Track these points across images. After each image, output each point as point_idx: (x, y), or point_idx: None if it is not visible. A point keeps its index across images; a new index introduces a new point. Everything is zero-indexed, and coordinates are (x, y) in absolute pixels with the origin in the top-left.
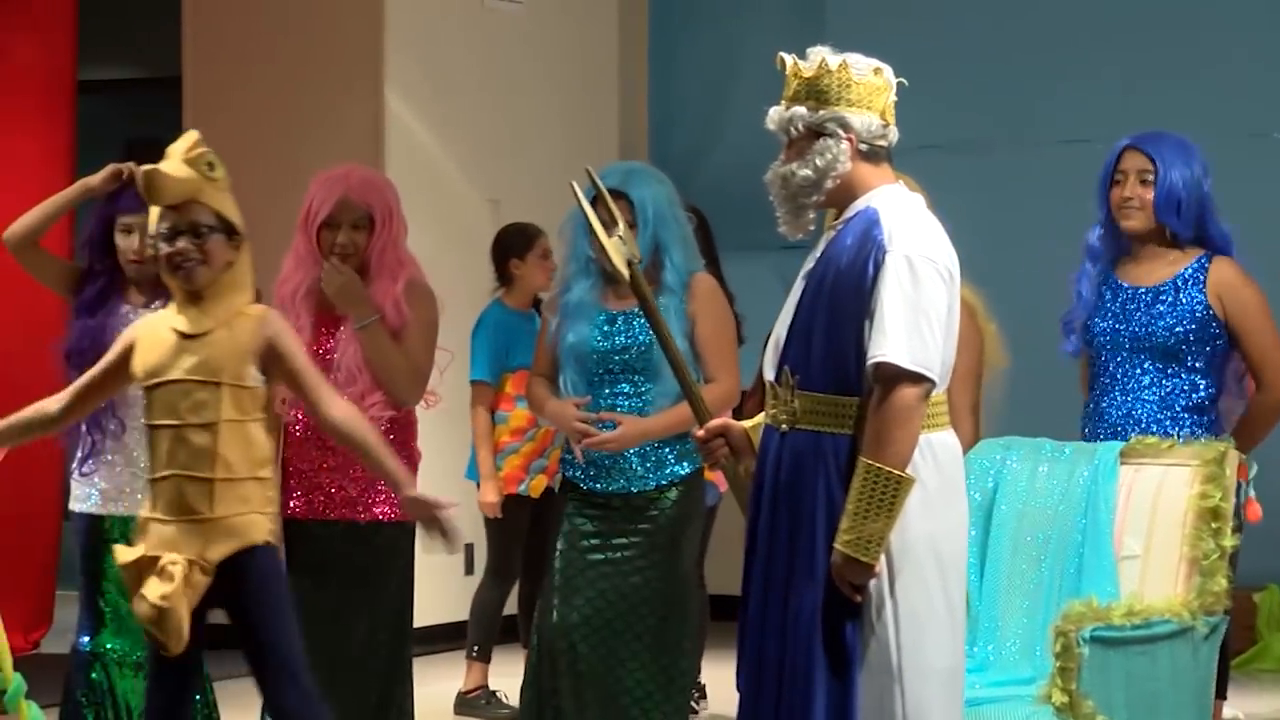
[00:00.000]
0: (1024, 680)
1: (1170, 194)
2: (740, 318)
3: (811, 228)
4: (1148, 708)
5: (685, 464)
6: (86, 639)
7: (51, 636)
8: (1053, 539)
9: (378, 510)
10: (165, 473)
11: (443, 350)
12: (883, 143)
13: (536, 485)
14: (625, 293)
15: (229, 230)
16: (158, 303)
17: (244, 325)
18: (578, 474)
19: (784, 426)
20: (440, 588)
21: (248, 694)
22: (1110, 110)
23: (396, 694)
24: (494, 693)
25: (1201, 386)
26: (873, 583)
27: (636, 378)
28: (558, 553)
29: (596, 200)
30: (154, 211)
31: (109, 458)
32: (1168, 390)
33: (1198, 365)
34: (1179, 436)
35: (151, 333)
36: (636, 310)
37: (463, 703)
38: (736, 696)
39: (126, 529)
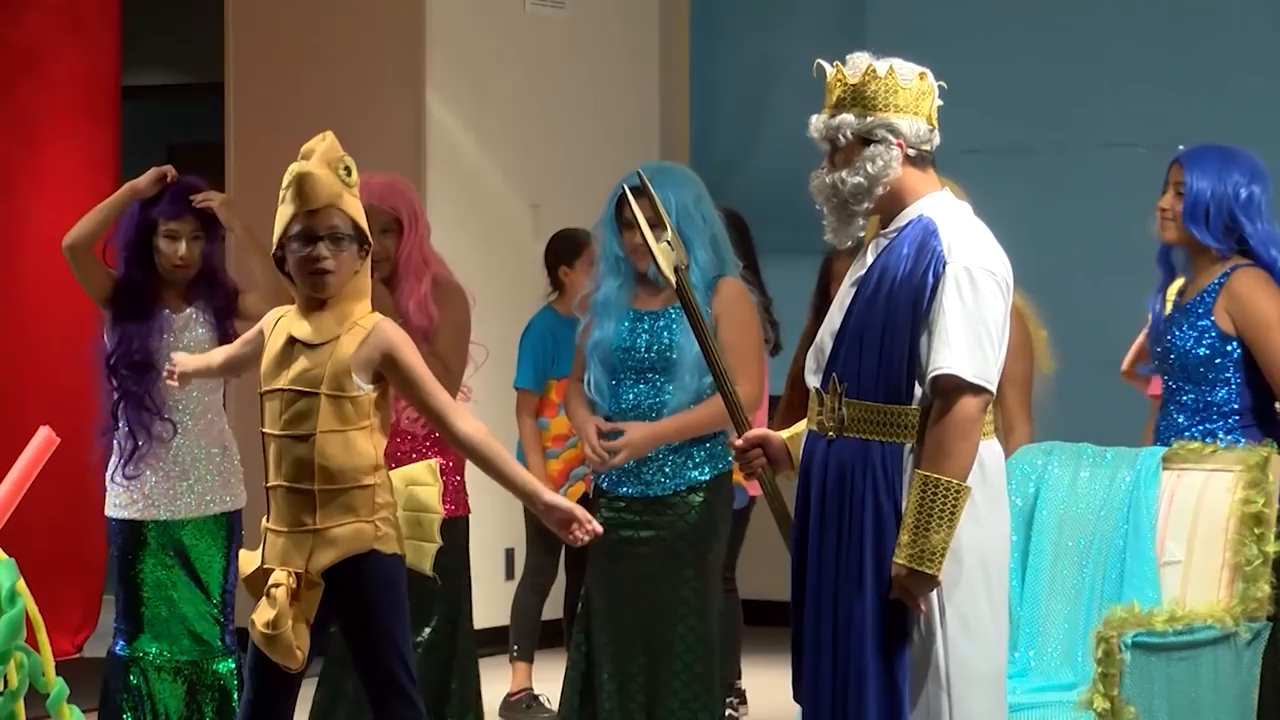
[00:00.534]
0: (1065, 686)
1: (1196, 204)
2: (776, 325)
3: (861, 234)
4: (1190, 714)
5: (706, 469)
6: (123, 644)
7: (94, 640)
8: (1094, 544)
9: None
10: (275, 482)
11: (477, 344)
12: (928, 148)
13: (575, 492)
14: (654, 293)
15: (361, 239)
16: (191, 309)
17: (353, 335)
18: (601, 477)
19: (830, 434)
20: (481, 593)
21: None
22: (1155, 115)
23: (458, 683)
24: (536, 696)
25: (1234, 396)
26: None
27: (656, 378)
28: (590, 554)
29: (644, 204)
30: (283, 212)
31: (155, 462)
32: (1204, 404)
33: (1224, 378)
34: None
35: (275, 331)
36: (661, 311)
37: (506, 705)
38: (777, 702)
39: (166, 534)
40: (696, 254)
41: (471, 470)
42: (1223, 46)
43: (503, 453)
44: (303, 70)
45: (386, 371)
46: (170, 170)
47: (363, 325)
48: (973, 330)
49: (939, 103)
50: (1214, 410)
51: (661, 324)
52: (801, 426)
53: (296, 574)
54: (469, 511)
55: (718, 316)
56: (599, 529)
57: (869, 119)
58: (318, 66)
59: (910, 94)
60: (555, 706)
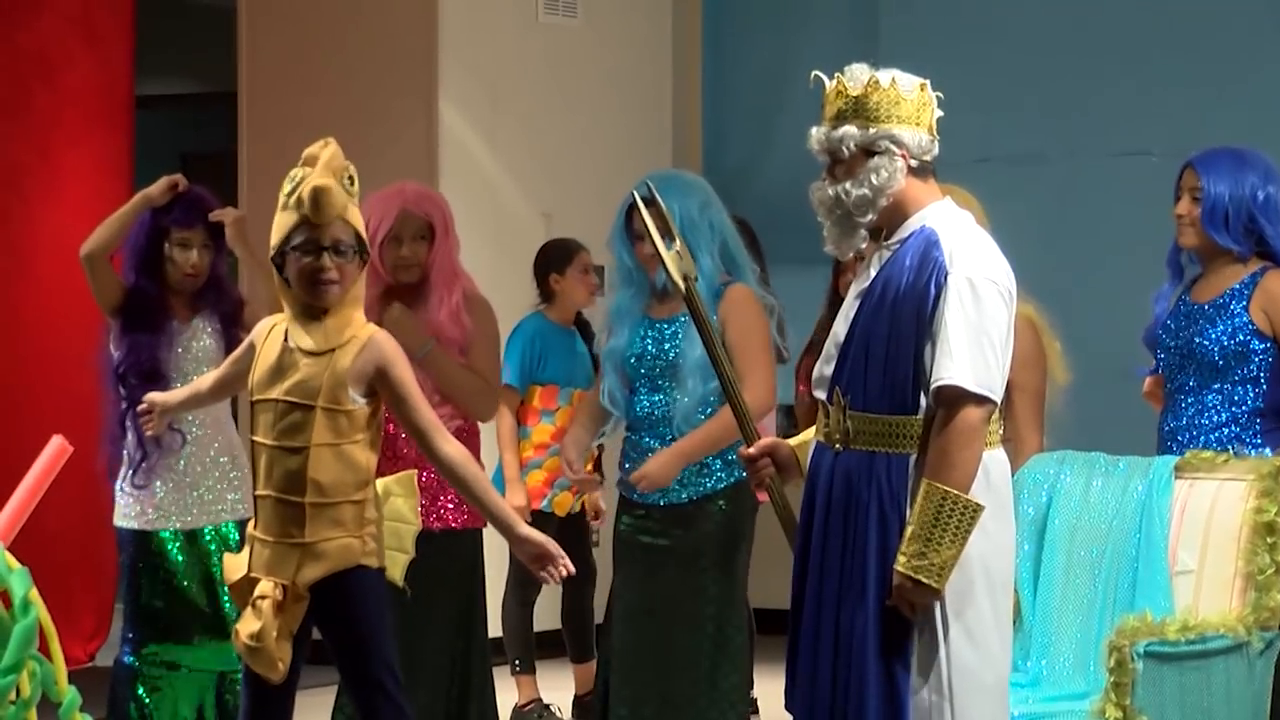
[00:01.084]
0: (1078, 695)
1: (1215, 208)
2: (784, 334)
3: (863, 245)
4: None
5: (724, 475)
6: (129, 653)
7: (107, 649)
8: (1107, 553)
9: (450, 518)
10: (264, 492)
11: None
12: (929, 158)
13: (562, 502)
14: (666, 302)
15: (362, 250)
16: (198, 318)
17: (349, 347)
18: (622, 486)
19: (837, 446)
20: (492, 603)
21: (322, 706)
22: (1167, 121)
23: (475, 698)
24: (547, 706)
25: (1250, 398)
26: None
27: (668, 385)
28: (615, 561)
29: (654, 213)
30: (285, 219)
31: (165, 471)
32: (1215, 404)
33: (1245, 378)
34: (1230, 447)
35: (268, 341)
36: (672, 319)
37: (518, 715)
38: (788, 715)
39: (180, 543)
40: (701, 262)
41: None
42: (1234, 53)
43: (482, 477)
44: (315, 79)
45: (378, 384)
46: (181, 179)
47: (358, 337)
48: (975, 340)
49: (939, 113)
50: (1243, 409)
51: (670, 330)
52: (810, 434)
53: (283, 586)
54: (485, 524)
55: (723, 320)
56: (570, 569)
57: (872, 130)
58: (330, 75)
59: (912, 105)
60: (565, 714)
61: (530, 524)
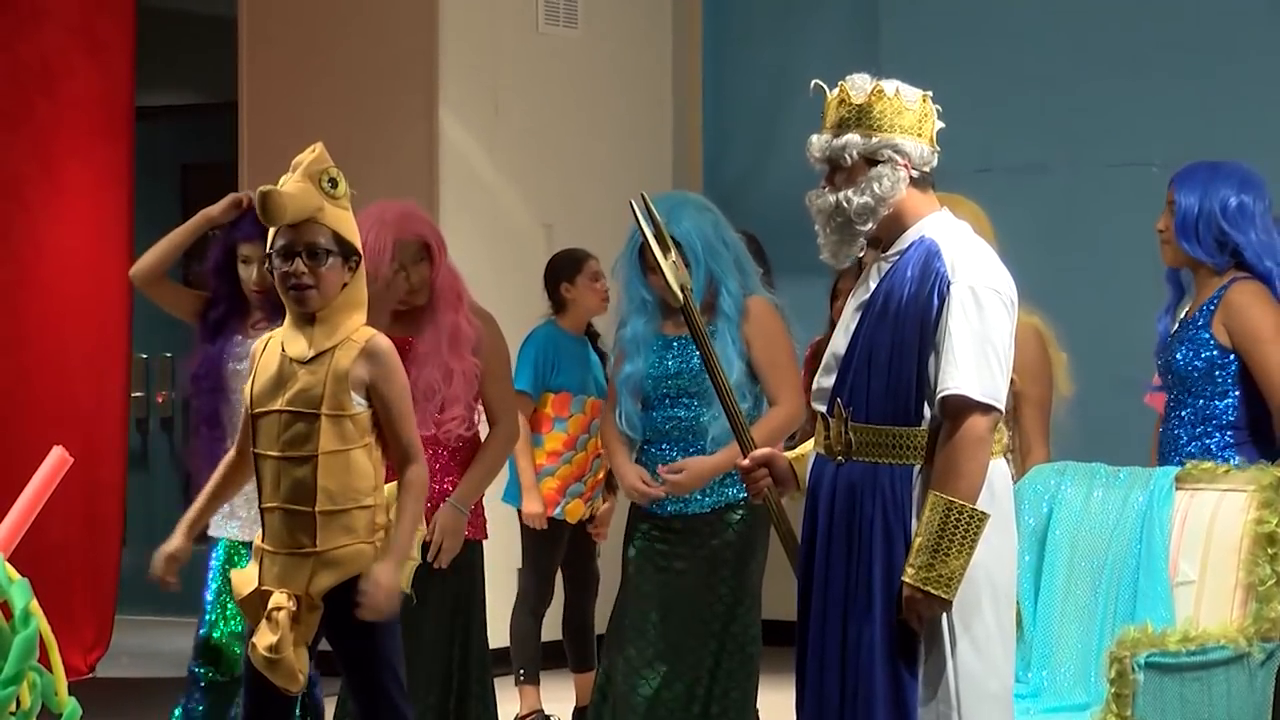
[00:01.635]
0: (1078, 706)
1: (1184, 220)
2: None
3: (862, 253)
4: None
5: (741, 486)
6: (197, 662)
7: (107, 660)
8: (1107, 564)
9: None
10: (271, 504)
11: None
12: (929, 169)
13: (573, 510)
14: (681, 321)
15: (346, 252)
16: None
17: (347, 351)
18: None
19: (839, 457)
20: (491, 614)
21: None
22: (1168, 133)
23: (475, 707)
24: (548, 716)
25: (1232, 410)
26: None
27: (691, 401)
28: (629, 572)
29: (651, 225)
30: (273, 228)
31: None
32: (1202, 417)
33: (1214, 393)
34: (1221, 458)
35: (266, 354)
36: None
37: None
38: None
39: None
40: (728, 284)
41: (486, 494)
42: (1236, 64)
43: (415, 511)
44: (315, 90)
45: (370, 388)
46: (246, 195)
47: (355, 340)
48: (980, 349)
49: (940, 124)
50: (1212, 424)
51: (691, 348)
52: (808, 447)
53: (296, 596)
54: (486, 536)
55: (751, 338)
56: (391, 622)
57: (875, 139)
58: (330, 86)
59: (914, 116)
60: None
61: (545, 530)
